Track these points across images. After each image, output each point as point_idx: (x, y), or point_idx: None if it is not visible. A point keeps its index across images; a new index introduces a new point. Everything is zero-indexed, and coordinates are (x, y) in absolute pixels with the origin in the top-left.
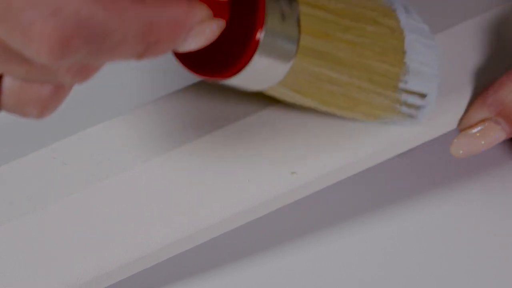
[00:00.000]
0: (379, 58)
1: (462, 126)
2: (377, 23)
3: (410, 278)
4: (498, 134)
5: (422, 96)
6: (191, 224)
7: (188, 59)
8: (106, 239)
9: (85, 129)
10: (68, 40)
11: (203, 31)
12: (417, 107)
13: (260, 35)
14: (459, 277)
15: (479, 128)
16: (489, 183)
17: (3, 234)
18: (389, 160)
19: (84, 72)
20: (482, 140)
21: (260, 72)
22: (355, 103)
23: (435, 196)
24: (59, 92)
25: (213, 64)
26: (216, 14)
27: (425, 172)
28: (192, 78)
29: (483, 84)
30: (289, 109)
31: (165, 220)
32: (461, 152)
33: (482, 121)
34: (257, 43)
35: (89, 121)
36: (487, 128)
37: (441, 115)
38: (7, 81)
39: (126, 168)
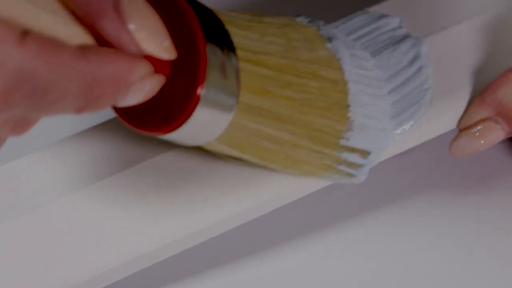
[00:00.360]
0: (320, 114)
1: (462, 126)
2: (319, 77)
3: (410, 278)
4: (497, 134)
5: (364, 153)
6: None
7: (127, 113)
8: (105, 238)
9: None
10: (8, 94)
11: (143, 87)
12: (358, 166)
13: (201, 91)
14: (459, 277)
15: (478, 127)
16: (489, 183)
17: (2, 234)
18: (389, 160)
19: (22, 125)
20: (481, 140)
21: (200, 128)
22: (293, 161)
23: (434, 196)
24: None
25: (153, 119)
26: (157, 70)
27: (425, 172)
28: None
29: (482, 83)
30: None
31: (158, 221)
32: (460, 151)
33: (482, 120)
34: (198, 98)
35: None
36: (486, 127)
37: (441, 115)
38: None
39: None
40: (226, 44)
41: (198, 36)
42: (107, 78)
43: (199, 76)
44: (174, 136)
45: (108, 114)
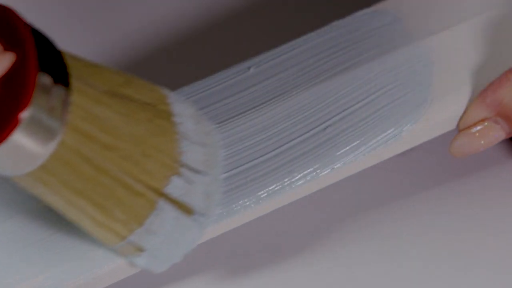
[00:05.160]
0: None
1: (462, 126)
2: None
3: (410, 278)
4: (497, 134)
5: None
6: None
7: None
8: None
9: None
10: None
11: None
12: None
13: (24, 114)
14: (459, 277)
15: (478, 127)
16: (489, 183)
17: (4, 232)
18: (389, 160)
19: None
20: (481, 140)
21: (12, 155)
22: (91, 221)
23: (435, 196)
24: None
25: None
26: None
27: (425, 172)
28: None
29: (482, 83)
30: None
31: None
32: (460, 151)
33: (482, 120)
34: (18, 122)
35: None
36: (486, 127)
37: (441, 114)
38: None
39: None
40: (61, 79)
41: (32, 62)
42: None
43: (22, 102)
44: None
45: None
